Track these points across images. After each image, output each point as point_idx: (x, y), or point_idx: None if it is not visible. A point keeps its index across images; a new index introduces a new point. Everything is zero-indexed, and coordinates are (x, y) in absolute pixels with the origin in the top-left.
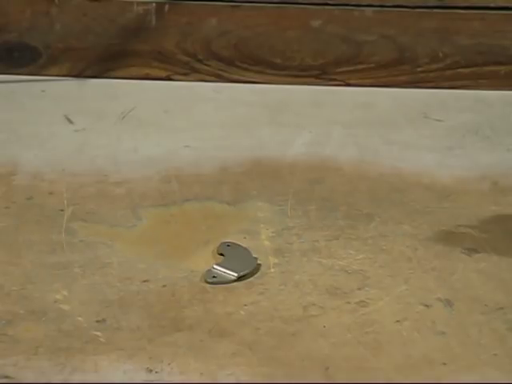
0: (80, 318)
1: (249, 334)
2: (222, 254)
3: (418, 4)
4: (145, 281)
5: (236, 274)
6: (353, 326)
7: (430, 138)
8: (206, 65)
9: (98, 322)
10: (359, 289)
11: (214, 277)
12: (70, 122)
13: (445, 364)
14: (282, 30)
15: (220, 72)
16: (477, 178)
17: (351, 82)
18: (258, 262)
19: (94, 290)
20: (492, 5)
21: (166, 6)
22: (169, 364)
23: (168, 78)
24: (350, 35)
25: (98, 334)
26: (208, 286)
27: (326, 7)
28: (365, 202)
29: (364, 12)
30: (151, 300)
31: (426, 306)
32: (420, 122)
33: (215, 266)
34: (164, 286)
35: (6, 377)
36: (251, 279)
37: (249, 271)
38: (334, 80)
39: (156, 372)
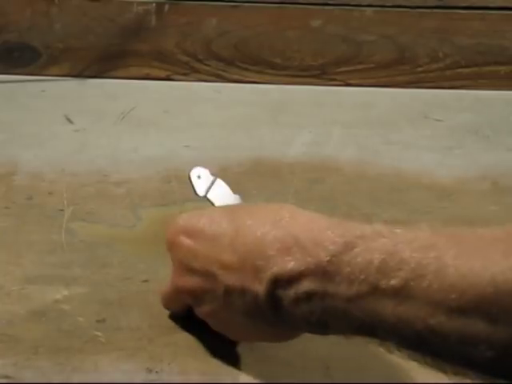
0: (80, 318)
1: None
2: None
3: (418, 4)
4: (145, 281)
5: None
6: None
7: (429, 138)
8: (205, 65)
9: (98, 321)
10: None
11: None
12: (70, 122)
13: None
14: (282, 29)
15: (220, 72)
16: (477, 178)
17: (351, 82)
18: None
19: (94, 290)
20: (492, 5)
21: (166, 6)
22: (169, 364)
23: (168, 78)
24: (350, 35)
25: (98, 333)
26: None
27: (326, 7)
28: (365, 202)
29: (364, 12)
30: (151, 300)
31: None
32: (420, 121)
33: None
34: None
35: (6, 377)
36: None
37: None
38: (334, 80)
39: (156, 372)
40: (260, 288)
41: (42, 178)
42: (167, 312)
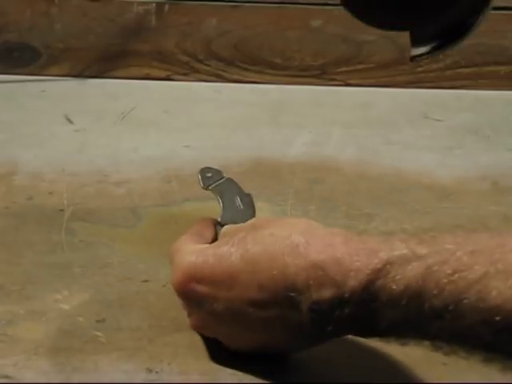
0: (80, 318)
1: None
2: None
3: None
4: (145, 281)
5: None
6: None
7: (429, 138)
8: (206, 65)
9: (97, 321)
10: None
11: None
12: (70, 122)
13: (445, 364)
14: (282, 29)
15: (220, 72)
16: (477, 178)
17: (351, 82)
18: None
19: (94, 290)
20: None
21: (166, 6)
22: (169, 364)
23: (168, 78)
24: (350, 35)
25: (98, 333)
26: None
27: (326, 7)
28: (365, 202)
29: None
30: (151, 300)
31: None
32: (420, 122)
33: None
34: (164, 285)
35: (6, 377)
36: None
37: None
38: (334, 80)
39: (156, 372)
40: (301, 317)
41: (42, 177)
42: (167, 312)
